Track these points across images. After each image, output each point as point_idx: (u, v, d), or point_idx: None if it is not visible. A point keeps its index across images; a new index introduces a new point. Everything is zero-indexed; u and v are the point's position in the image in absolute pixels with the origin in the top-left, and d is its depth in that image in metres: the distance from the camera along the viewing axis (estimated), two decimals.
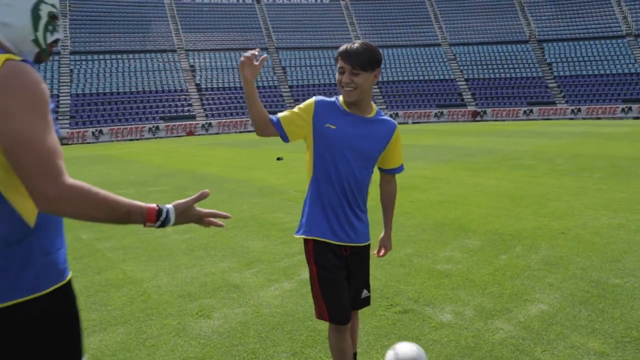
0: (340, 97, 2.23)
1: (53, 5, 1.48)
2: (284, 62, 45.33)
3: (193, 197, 1.47)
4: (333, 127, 2.15)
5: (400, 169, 2.41)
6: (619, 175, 9.05)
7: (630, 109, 38.07)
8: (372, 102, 2.28)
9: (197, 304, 3.76)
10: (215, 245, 5.33)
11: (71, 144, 32.02)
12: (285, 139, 2.22)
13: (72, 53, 41.41)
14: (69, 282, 1.52)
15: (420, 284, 3.94)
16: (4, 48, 1.37)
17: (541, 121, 36.46)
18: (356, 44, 2.12)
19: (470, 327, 3.17)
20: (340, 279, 2.23)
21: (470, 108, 41.37)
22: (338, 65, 2.13)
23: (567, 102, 40.76)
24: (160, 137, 34.39)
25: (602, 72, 42.70)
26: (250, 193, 8.60)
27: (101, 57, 41.64)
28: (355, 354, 2.51)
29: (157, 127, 35.12)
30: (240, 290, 3.97)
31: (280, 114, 2.21)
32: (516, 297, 3.59)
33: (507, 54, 46.42)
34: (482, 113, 40.53)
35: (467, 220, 5.97)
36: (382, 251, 2.49)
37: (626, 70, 42.11)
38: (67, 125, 34.24)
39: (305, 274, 4.29)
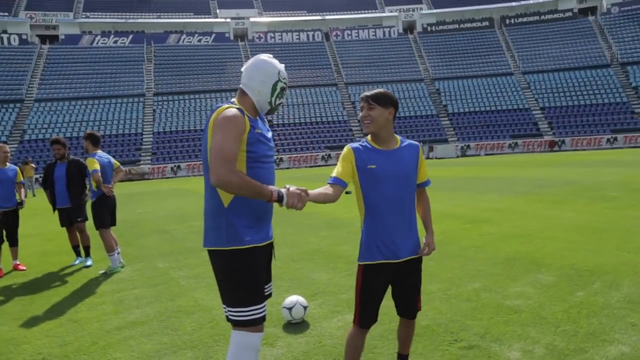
0: (368, 137, 2.65)
1: (284, 83, 2.50)
2: (353, 97, 46.02)
3: (301, 188, 2.27)
4: (374, 166, 2.56)
5: (428, 182, 2.78)
6: None
7: None
8: (395, 135, 2.69)
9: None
10: (282, 277, 5.44)
11: (152, 179, 34.04)
12: (345, 185, 2.63)
13: (155, 94, 44.57)
14: (247, 248, 2.37)
15: (487, 319, 3.80)
16: (249, 102, 2.45)
17: (627, 149, 34.10)
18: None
19: None
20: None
21: (547, 138, 39.61)
22: (360, 107, 2.63)
23: None
24: None
25: None
26: (318, 226, 8.71)
27: (181, 97, 44.45)
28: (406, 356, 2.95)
29: None
30: (304, 321, 4.02)
31: (333, 174, 2.60)
32: (593, 337, 3.37)
33: (585, 79, 44.27)
34: (560, 143, 38.65)
35: (541, 254, 5.70)
36: (427, 249, 2.72)
37: None
38: (149, 162, 36.56)
39: None
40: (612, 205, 9.08)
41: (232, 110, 2.29)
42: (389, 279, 2.63)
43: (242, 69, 2.51)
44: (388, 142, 2.61)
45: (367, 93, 2.58)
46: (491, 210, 9.25)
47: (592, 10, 53.08)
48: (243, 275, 2.36)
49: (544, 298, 4.21)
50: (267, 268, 2.57)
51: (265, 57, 2.49)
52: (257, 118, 2.48)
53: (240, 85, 2.49)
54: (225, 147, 2.20)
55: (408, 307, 2.73)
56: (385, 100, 2.56)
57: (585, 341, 3.32)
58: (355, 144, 2.63)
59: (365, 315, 2.62)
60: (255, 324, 2.39)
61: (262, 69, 2.44)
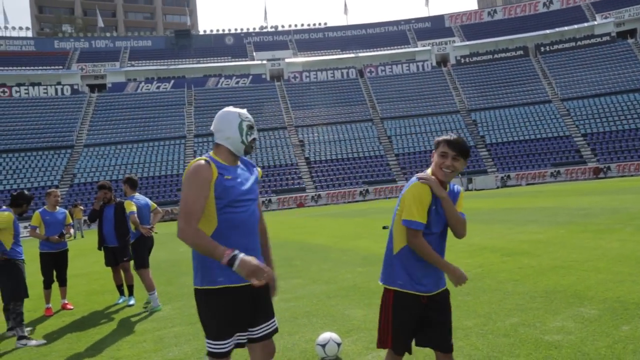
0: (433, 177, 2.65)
1: (249, 121, 2.70)
2: (389, 131, 46.20)
3: (262, 266, 2.38)
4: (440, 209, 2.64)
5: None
6: None
7: None
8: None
9: None
10: (317, 313, 5.47)
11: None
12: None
13: (195, 136, 46.08)
14: (219, 288, 2.55)
15: (525, 355, 3.70)
16: (224, 150, 2.66)
17: None
18: (456, 137, 2.65)
19: None
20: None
21: (591, 165, 38.38)
22: (441, 150, 2.62)
23: None
24: (272, 210, 36.14)
25: None
26: (355, 262, 8.71)
27: None
28: None
29: (270, 200, 37.06)
30: (338, 358, 4.02)
31: (418, 219, 2.57)
32: None
33: (628, 103, 43.01)
34: (605, 169, 37.34)
35: (583, 287, 5.51)
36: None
37: None
38: None
39: None
40: None
41: (197, 163, 2.53)
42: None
43: (211, 128, 2.77)
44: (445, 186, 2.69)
45: (454, 139, 2.60)
46: (531, 242, 9.02)
47: (632, 33, 51.96)
48: (213, 313, 2.55)
49: (586, 333, 4.07)
50: (255, 306, 2.63)
51: (226, 108, 2.74)
52: (237, 163, 2.70)
53: (215, 140, 2.71)
54: (188, 202, 2.45)
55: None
56: (469, 155, 2.64)
57: None
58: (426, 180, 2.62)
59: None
60: (219, 357, 2.56)
61: (223, 118, 2.68)
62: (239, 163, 2.72)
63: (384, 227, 13.84)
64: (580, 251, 7.68)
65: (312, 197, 37.89)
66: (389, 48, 57.79)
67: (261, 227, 2.85)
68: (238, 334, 2.60)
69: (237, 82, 54.52)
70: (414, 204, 2.55)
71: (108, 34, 63.92)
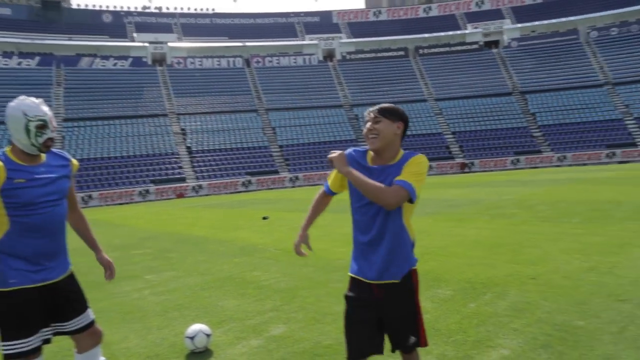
0: (370, 152, 2.42)
1: (39, 120, 2.43)
2: (274, 122, 46.33)
3: None
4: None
5: (400, 181, 2.34)
6: (597, 219, 9.18)
7: (614, 154, 38.89)
8: (401, 150, 2.40)
9: None
10: (189, 306, 5.31)
11: None
12: (329, 192, 2.63)
13: (65, 120, 42.24)
14: (10, 290, 2.43)
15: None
16: (19, 149, 2.45)
17: (528, 170, 37.01)
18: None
19: None
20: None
21: (458, 160, 42.03)
22: (365, 120, 2.39)
23: (552, 150, 41.61)
24: (150, 200, 34.50)
25: (584, 119, 43.92)
26: (232, 253, 8.61)
27: (94, 123, 42.46)
28: None
29: (147, 191, 35.32)
30: (208, 349, 3.95)
31: (329, 180, 2.61)
32: (479, 344, 3.60)
33: (491, 106, 47.81)
34: (470, 165, 41.14)
35: (442, 270, 6.01)
36: None
37: (607, 117, 43.37)
38: None
39: (273, 330, 4.29)
40: (510, 222, 9.79)
41: None
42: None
43: None
44: (389, 160, 2.36)
45: (374, 106, 2.39)
46: None
47: (495, 43, 57.68)
48: (5, 315, 2.45)
49: (440, 311, 4.44)
50: (56, 304, 2.59)
51: (13, 102, 2.49)
52: (40, 161, 2.52)
53: None
54: None
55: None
56: (393, 114, 2.34)
57: (473, 348, 3.54)
58: (353, 149, 2.45)
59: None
60: (20, 357, 2.47)
61: (9, 117, 2.46)
62: (43, 160, 2.53)
63: (264, 218, 13.87)
64: (443, 238, 8.37)
65: (193, 187, 36.78)
66: (277, 39, 57.87)
67: (75, 218, 2.81)
68: (42, 330, 2.55)
69: (115, 64, 50.90)
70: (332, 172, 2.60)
71: None
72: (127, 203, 33.44)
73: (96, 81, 47.37)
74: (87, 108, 43.93)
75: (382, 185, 2.24)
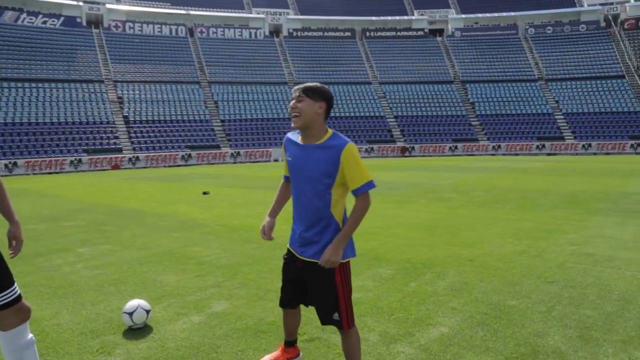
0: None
1: None
2: (217, 96, 45.18)
3: None
4: (290, 158, 2.60)
5: (358, 190, 2.54)
6: (528, 206, 9.70)
7: (544, 146, 41.17)
8: (329, 129, 2.52)
9: (98, 341, 3.58)
10: (126, 281, 5.12)
11: None
12: (287, 179, 2.87)
13: None
14: None
15: None
16: None
17: (465, 157, 38.46)
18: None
19: (372, 351, 3.24)
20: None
21: (400, 144, 42.95)
22: (290, 99, 2.52)
23: (488, 139, 43.39)
24: (83, 171, 32.84)
25: (518, 112, 46.06)
26: (171, 227, 8.38)
27: (19, 85, 39.52)
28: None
29: (80, 160, 33.54)
30: (147, 325, 3.82)
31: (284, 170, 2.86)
32: (420, 322, 3.72)
33: (434, 93, 48.97)
34: (410, 149, 42.18)
35: (383, 250, 6.14)
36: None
37: (539, 111, 45.70)
38: None
39: (215, 307, 4.22)
40: (447, 205, 10.15)
41: None
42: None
43: None
44: (314, 137, 2.50)
45: (298, 85, 2.52)
46: None
47: (440, 32, 58.88)
48: None
49: (381, 290, 4.54)
50: None
51: None
52: None
53: None
54: None
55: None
56: (315, 93, 2.46)
57: (414, 326, 3.65)
58: (290, 133, 2.69)
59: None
60: None
61: None
62: None
63: (205, 193, 13.59)
64: (383, 219, 8.54)
65: (130, 159, 35.29)
66: (222, 10, 56.05)
67: None
68: None
69: (45, 22, 47.31)
70: None
71: None
72: (56, 172, 31.64)
73: (23, 39, 43.91)
74: (12, 68, 40.78)
75: (360, 212, 2.54)
